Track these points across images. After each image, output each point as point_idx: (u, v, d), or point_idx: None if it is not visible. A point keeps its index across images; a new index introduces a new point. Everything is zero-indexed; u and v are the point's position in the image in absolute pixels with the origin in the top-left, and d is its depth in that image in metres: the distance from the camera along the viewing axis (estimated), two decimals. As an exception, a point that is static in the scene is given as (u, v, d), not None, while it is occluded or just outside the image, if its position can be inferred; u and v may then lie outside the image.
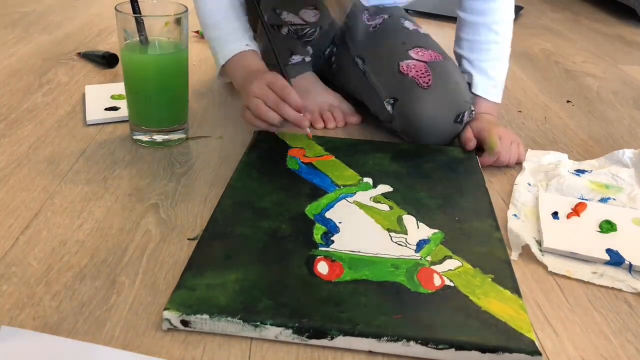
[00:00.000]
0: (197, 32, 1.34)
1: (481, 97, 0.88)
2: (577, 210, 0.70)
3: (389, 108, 0.84)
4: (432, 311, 0.52)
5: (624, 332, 0.54)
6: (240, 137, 0.87)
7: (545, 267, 0.62)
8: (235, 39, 0.86)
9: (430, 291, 0.54)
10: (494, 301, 0.53)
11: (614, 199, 0.74)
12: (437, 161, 0.79)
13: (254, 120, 0.79)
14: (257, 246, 0.60)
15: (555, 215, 0.69)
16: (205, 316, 0.50)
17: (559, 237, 0.65)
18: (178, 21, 0.77)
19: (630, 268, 0.62)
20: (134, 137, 0.83)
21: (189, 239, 0.63)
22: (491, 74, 0.88)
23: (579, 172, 0.80)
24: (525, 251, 0.64)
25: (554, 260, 0.63)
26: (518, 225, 0.68)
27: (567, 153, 0.87)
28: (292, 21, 0.87)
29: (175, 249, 0.61)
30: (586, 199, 0.74)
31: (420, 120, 0.81)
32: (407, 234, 0.63)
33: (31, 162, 0.77)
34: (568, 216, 0.69)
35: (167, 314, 0.50)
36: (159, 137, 0.82)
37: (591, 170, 0.81)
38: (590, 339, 0.53)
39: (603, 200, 0.74)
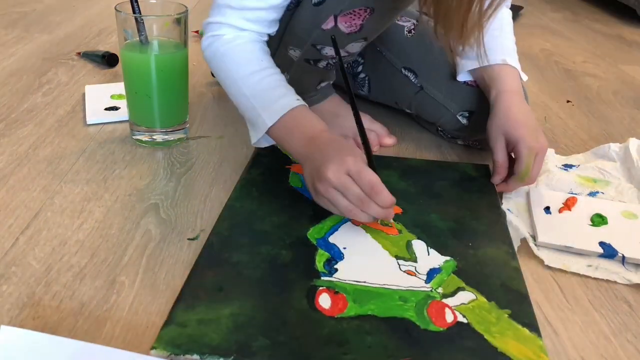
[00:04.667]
0: (196, 31, 1.34)
1: (502, 65, 0.78)
2: (568, 204, 0.71)
3: (464, 122, 0.82)
4: (444, 352, 0.48)
5: (624, 332, 0.54)
6: (240, 137, 0.86)
7: (541, 261, 0.62)
8: (283, 93, 0.69)
9: (441, 329, 0.51)
10: (511, 341, 0.50)
11: (603, 193, 0.76)
12: (448, 179, 0.76)
13: (336, 211, 0.62)
14: (254, 276, 0.56)
15: (547, 210, 0.70)
16: (196, 357, 0.47)
17: (552, 231, 0.66)
18: (178, 21, 0.77)
19: (623, 260, 0.63)
20: (134, 137, 0.83)
21: (189, 239, 0.63)
22: (510, 42, 0.83)
23: (567, 166, 0.82)
24: (523, 248, 0.65)
25: (549, 254, 0.64)
26: (513, 219, 0.68)
27: (564, 152, 0.87)
28: (334, 55, 0.77)
29: (175, 249, 0.61)
30: (575, 194, 0.75)
31: None
32: (416, 262, 0.59)
33: (31, 162, 0.77)
34: (560, 211, 0.70)
35: (154, 353, 0.47)
36: (159, 137, 0.82)
37: (578, 165, 0.82)
38: (590, 339, 0.53)
39: (592, 194, 0.75)
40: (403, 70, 0.87)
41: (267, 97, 0.69)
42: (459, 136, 0.86)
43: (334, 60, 0.79)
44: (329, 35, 0.70)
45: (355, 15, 0.71)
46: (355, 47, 0.77)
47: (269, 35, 0.76)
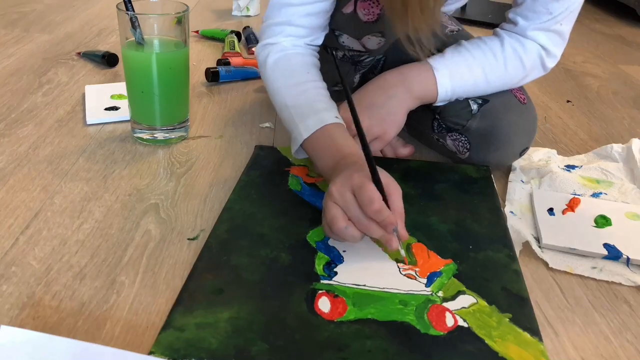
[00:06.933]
0: (196, 32, 1.34)
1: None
2: (571, 205, 0.71)
3: (474, 107, 0.77)
4: (445, 357, 0.48)
5: (624, 332, 0.54)
6: (240, 137, 0.87)
7: (545, 263, 0.62)
8: (323, 107, 0.69)
9: (442, 333, 0.50)
10: (512, 345, 0.49)
11: (606, 194, 0.76)
12: (449, 181, 0.75)
13: (328, 231, 0.60)
14: (253, 278, 0.55)
15: (550, 211, 0.70)
16: None
17: (556, 233, 0.66)
18: (179, 20, 0.77)
19: (628, 262, 0.63)
20: (135, 135, 0.83)
21: (189, 239, 0.63)
22: (451, 54, 0.76)
23: (569, 167, 0.82)
24: (524, 248, 0.64)
25: (553, 256, 0.63)
26: (516, 222, 0.68)
27: (564, 152, 0.87)
28: (351, 46, 0.78)
29: (175, 249, 0.61)
30: (578, 194, 0.75)
31: (506, 130, 0.75)
32: (416, 265, 0.59)
33: (31, 162, 0.77)
34: (563, 212, 0.70)
35: (152, 358, 0.46)
36: (160, 135, 0.82)
37: (581, 166, 0.83)
38: (590, 339, 0.53)
39: (595, 195, 0.75)
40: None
41: (306, 110, 0.69)
42: (454, 123, 0.78)
43: (350, 53, 0.79)
44: (347, 20, 0.72)
45: (373, 3, 0.73)
46: (372, 42, 0.76)
47: (320, 47, 0.77)
